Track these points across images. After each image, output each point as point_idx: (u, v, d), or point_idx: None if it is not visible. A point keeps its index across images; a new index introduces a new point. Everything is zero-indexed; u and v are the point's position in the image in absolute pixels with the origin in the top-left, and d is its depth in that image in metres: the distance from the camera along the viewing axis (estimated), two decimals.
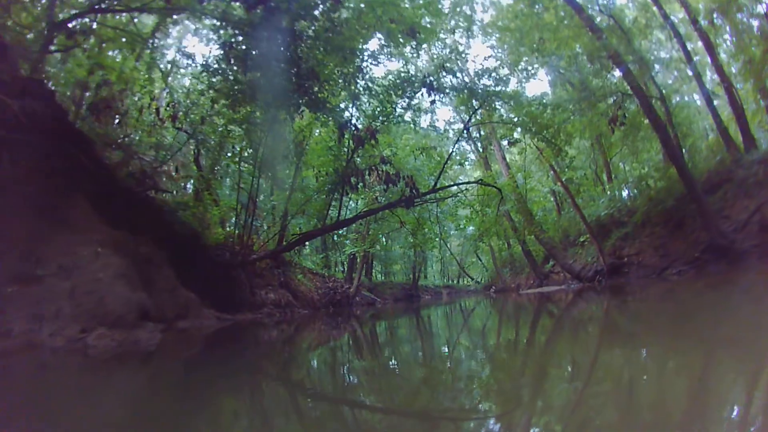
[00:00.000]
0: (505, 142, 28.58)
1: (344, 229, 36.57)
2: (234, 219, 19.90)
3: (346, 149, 18.69)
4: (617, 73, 23.18)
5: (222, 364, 7.09)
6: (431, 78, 18.30)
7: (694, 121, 27.46)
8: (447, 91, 19.45)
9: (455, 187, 24.12)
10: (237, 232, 19.71)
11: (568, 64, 24.01)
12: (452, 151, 21.93)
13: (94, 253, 10.48)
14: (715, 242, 17.92)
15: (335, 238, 38.18)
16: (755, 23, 21.41)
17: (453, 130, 25.57)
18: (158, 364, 7.65)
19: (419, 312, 20.41)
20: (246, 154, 19.76)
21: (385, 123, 19.10)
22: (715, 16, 22.13)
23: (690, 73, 24.31)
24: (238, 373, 6.41)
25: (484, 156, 33.88)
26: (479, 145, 33.94)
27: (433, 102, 19.24)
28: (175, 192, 19.21)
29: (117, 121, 16.53)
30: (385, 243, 42.95)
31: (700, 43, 22.81)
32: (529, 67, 24.88)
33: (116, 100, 16.67)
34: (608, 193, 31.54)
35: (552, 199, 37.46)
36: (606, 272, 24.79)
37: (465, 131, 21.14)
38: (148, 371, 6.97)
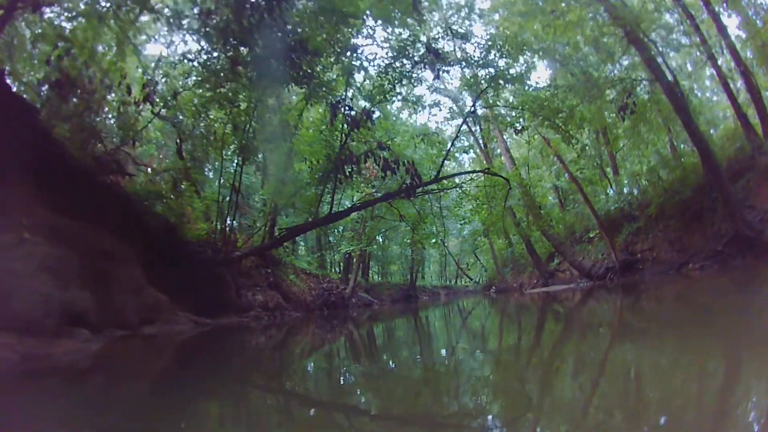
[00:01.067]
0: (507, 136, 26.62)
1: (340, 227, 34.64)
2: (218, 213, 17.45)
3: (339, 134, 16.42)
4: (625, 62, 21.80)
5: (174, 387, 5.35)
6: (436, 42, 15.95)
7: (705, 110, 25.53)
8: (452, 62, 17.02)
9: (459, 178, 22.02)
10: (220, 227, 17.39)
11: (573, 51, 21.72)
12: (457, 134, 19.55)
13: (16, 239, 8.17)
14: (740, 234, 16.08)
15: (330, 238, 36.09)
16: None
17: (455, 113, 23.30)
18: (58, 388, 5.31)
19: (419, 314, 18.99)
20: (230, 139, 17.40)
21: (384, 101, 16.85)
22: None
23: (703, 57, 22.20)
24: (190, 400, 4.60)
25: (485, 151, 31.61)
26: (480, 140, 31.65)
27: (437, 76, 17.00)
28: (149, 181, 16.82)
29: (81, 98, 14.18)
30: (382, 242, 41.53)
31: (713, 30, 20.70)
32: (530, 59, 22.51)
33: (82, 77, 14.41)
34: (613, 187, 29.77)
35: (554, 195, 35.32)
36: (618, 269, 22.91)
37: (471, 114, 18.89)
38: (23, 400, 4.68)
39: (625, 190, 27.99)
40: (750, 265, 15.05)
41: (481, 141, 31.52)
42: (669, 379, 3.87)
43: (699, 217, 19.67)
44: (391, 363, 6.89)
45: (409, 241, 40.38)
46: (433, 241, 28.05)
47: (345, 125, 15.75)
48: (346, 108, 15.48)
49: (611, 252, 23.67)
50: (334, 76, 16.20)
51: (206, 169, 20.15)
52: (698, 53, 22.82)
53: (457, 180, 21.84)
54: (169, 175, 16.74)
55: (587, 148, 25.70)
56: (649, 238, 22.89)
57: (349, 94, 16.34)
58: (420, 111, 28.35)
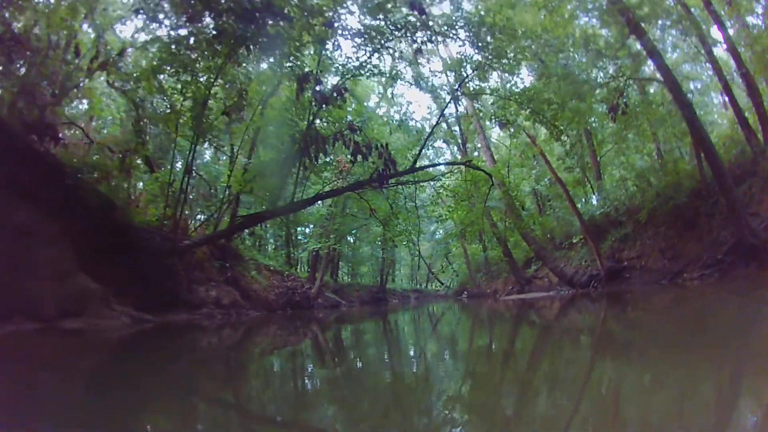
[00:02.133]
0: (489, 133, 24.82)
1: (310, 226, 32.69)
2: (170, 196, 15.26)
3: (306, 113, 14.47)
4: (611, 67, 20.10)
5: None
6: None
7: (701, 114, 23.79)
8: (437, 32, 15.01)
9: (437, 171, 20.12)
10: (171, 212, 15.27)
11: (562, 46, 20.03)
12: (438, 121, 17.47)
13: None
14: (743, 241, 14.83)
15: (300, 237, 34.11)
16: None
17: (433, 112, 21.38)
18: None
19: (389, 318, 17.63)
20: (186, 114, 15.14)
21: (358, 75, 14.85)
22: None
23: (701, 57, 20.93)
24: None
25: (464, 150, 29.65)
26: (460, 136, 29.78)
27: (419, 50, 15.13)
28: (92, 155, 14.62)
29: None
30: (353, 242, 40.19)
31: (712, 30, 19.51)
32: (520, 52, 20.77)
33: (27, 34, 12.43)
34: (596, 192, 28.10)
35: (533, 199, 33.78)
36: (603, 277, 21.46)
37: (454, 98, 16.97)
38: None
39: (613, 194, 26.12)
40: (753, 274, 13.98)
41: (460, 138, 29.63)
42: (649, 403, 3.30)
43: (693, 224, 18.61)
44: (357, 373, 5.84)
45: (380, 241, 39.03)
46: (405, 240, 25.76)
47: (313, 103, 13.83)
48: (315, 82, 13.56)
49: (596, 259, 22.21)
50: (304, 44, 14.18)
51: (161, 151, 17.93)
52: (694, 52, 21.45)
53: (434, 173, 19.90)
54: (117, 149, 14.62)
55: (571, 149, 23.94)
56: (637, 245, 21.61)
57: (320, 68, 14.30)
58: (396, 92, 26.07)
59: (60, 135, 12.95)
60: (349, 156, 15.21)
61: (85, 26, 15.78)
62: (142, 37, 15.61)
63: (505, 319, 13.36)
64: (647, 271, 19.87)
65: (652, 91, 23.10)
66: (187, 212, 16.95)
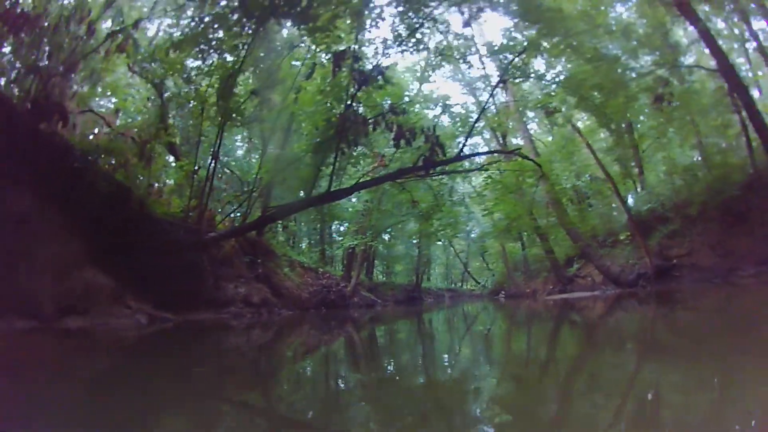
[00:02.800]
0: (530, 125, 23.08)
1: (345, 224, 31.25)
2: (194, 186, 13.81)
3: (343, 94, 12.90)
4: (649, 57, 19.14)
5: None
6: None
7: None
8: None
9: (483, 160, 18.36)
10: (195, 203, 13.86)
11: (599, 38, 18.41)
12: (485, 105, 15.68)
13: None
14: None
15: (334, 235, 32.71)
16: None
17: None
18: None
19: (424, 317, 16.56)
20: (212, 99, 13.58)
21: (401, 50, 13.25)
22: None
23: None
24: None
25: (503, 144, 27.62)
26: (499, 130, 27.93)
27: (467, 23, 13.59)
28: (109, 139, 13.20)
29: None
30: (388, 240, 38.39)
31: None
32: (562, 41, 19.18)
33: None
34: (637, 187, 26.70)
35: (573, 196, 31.81)
36: (652, 276, 19.60)
37: (502, 81, 15.29)
38: None
39: (660, 188, 24.54)
40: None
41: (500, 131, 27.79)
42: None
43: (744, 219, 17.14)
44: (395, 380, 5.05)
45: (416, 240, 37.52)
46: (448, 235, 23.74)
47: (351, 83, 12.33)
48: (353, 59, 12.04)
49: (644, 256, 20.45)
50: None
51: (188, 143, 16.46)
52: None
53: (478, 163, 18.12)
54: (137, 135, 13.26)
55: (618, 139, 22.06)
56: (686, 241, 19.94)
57: (357, 44, 12.74)
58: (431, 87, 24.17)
59: (69, 115, 11.55)
60: (386, 147, 13.70)
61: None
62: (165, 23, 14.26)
63: (546, 320, 12.34)
64: (697, 268, 18.34)
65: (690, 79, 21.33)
66: (214, 206, 15.52)
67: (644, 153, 25.99)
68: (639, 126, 24.61)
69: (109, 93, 15.78)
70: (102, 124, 14.08)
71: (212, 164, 13.08)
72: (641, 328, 8.37)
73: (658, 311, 11.47)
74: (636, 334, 7.60)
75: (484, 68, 20.11)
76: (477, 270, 53.74)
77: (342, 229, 32.76)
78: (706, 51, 20.42)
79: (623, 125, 23.69)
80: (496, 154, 18.44)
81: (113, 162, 12.23)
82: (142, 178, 12.83)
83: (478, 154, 16.83)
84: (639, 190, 26.62)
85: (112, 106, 16.17)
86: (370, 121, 12.45)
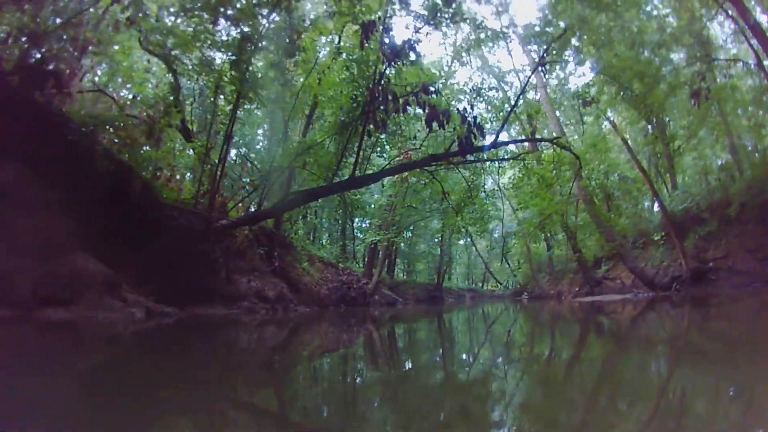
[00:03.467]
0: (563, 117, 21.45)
1: (367, 220, 29.88)
2: (206, 168, 12.33)
3: (371, 71, 11.42)
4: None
5: None
6: None
7: None
8: None
9: (518, 149, 16.77)
10: (206, 188, 12.46)
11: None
12: (523, 88, 13.94)
13: None
14: None
15: (356, 232, 31.36)
16: None
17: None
18: None
19: (447, 317, 14.97)
20: (227, 71, 11.95)
21: (438, 22, 11.63)
22: None
23: None
24: None
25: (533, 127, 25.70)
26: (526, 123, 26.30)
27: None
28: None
29: None
30: (409, 238, 37.62)
31: None
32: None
33: None
34: (668, 187, 25.16)
35: (602, 196, 30.24)
36: (688, 279, 18.49)
37: (542, 62, 13.74)
38: None
39: (691, 190, 23.11)
40: None
41: (530, 125, 26.14)
42: None
43: None
44: (428, 395, 3.85)
45: (438, 239, 36.24)
46: (476, 230, 21.98)
47: (380, 60, 10.89)
48: (383, 31, 10.61)
49: (679, 258, 19.20)
50: None
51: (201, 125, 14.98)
52: None
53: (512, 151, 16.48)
54: (146, 113, 11.95)
55: (658, 131, 20.42)
56: (723, 244, 18.62)
57: (388, 14, 11.23)
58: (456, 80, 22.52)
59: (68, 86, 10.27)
60: (415, 135, 12.25)
61: None
62: None
63: (576, 323, 10.93)
64: (735, 272, 17.24)
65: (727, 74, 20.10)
66: (227, 193, 14.07)
67: (675, 153, 24.48)
68: (671, 124, 23.45)
69: (122, 78, 14.59)
70: (112, 106, 12.90)
71: (225, 146, 11.61)
72: (693, 336, 7.12)
73: (697, 317, 10.10)
74: (691, 344, 6.35)
75: (511, 58, 18.57)
76: (498, 271, 52.44)
77: (364, 225, 31.72)
78: (743, 47, 19.17)
79: (655, 122, 22.25)
80: (529, 145, 16.84)
81: (117, 141, 10.93)
82: (149, 159, 11.51)
83: (516, 141, 15.26)
84: (669, 190, 25.18)
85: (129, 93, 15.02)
86: (400, 98, 10.96)
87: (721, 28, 21.37)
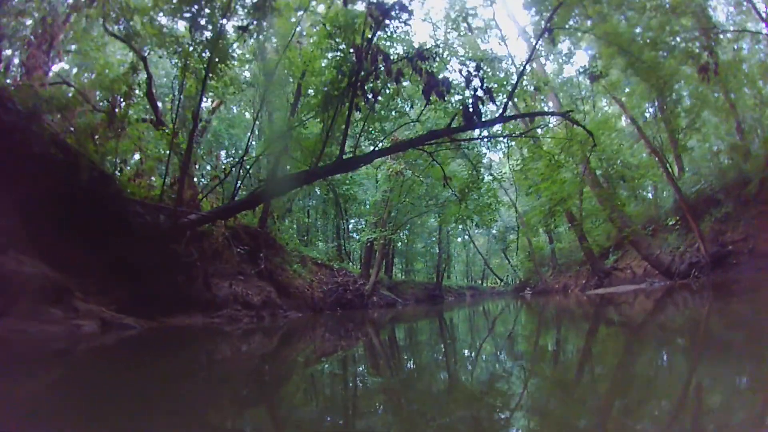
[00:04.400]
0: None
1: (362, 220, 28.39)
2: (182, 158, 10.48)
3: (358, 37, 9.78)
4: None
5: None
6: None
7: None
8: None
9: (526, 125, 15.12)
10: (170, 180, 10.77)
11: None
12: (530, 56, 12.12)
13: None
14: None
15: (352, 234, 29.84)
16: None
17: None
18: None
19: (448, 316, 14.22)
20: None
21: None
22: None
23: None
24: None
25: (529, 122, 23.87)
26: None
27: None
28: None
29: None
30: (406, 237, 35.48)
31: None
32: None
33: None
34: (674, 171, 23.26)
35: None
36: (708, 265, 17.10)
37: (548, 29, 12.04)
38: None
39: (702, 171, 21.75)
40: None
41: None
42: None
43: None
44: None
45: (436, 236, 35.31)
46: (484, 219, 20.03)
47: (366, 24, 9.29)
48: None
49: (697, 243, 17.81)
50: None
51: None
52: None
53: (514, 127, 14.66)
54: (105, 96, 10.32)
55: (672, 107, 18.83)
56: (741, 225, 17.42)
57: None
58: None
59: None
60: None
61: None
62: None
63: (591, 320, 9.49)
64: (757, 255, 16.03)
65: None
66: (199, 185, 12.28)
67: (681, 134, 23.13)
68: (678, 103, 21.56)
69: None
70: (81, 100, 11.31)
71: (192, 128, 9.82)
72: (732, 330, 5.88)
73: (723, 306, 8.98)
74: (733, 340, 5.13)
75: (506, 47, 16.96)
76: (497, 267, 51.98)
77: (360, 226, 30.47)
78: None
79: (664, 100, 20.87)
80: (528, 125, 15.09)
81: (73, 130, 9.31)
82: (112, 150, 9.87)
83: (525, 115, 13.55)
84: (676, 173, 23.27)
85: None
86: (394, 64, 9.26)
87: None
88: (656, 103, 19.92)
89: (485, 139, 12.88)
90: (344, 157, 9.92)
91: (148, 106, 12.28)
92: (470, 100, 8.87)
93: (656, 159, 20.32)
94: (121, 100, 10.46)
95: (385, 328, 10.22)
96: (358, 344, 7.41)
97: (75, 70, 15.69)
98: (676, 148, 22.27)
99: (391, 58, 9.19)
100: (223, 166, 13.27)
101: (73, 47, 13.78)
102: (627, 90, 18.94)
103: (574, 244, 29.97)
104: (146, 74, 11.27)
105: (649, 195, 27.08)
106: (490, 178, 15.88)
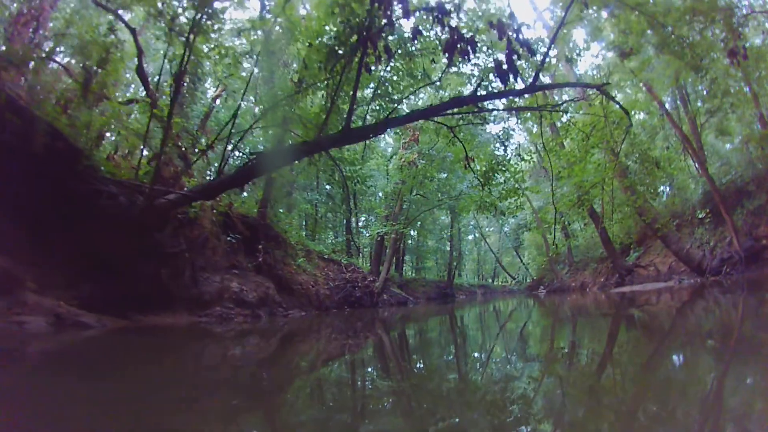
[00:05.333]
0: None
1: (371, 216, 26.94)
2: (164, 129, 8.73)
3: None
4: None
5: None
6: None
7: None
8: None
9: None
10: (152, 154, 9.16)
11: None
12: (563, 19, 10.37)
13: None
14: None
15: (361, 229, 28.36)
16: None
17: None
18: None
19: (455, 314, 13.37)
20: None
21: None
22: None
23: None
24: None
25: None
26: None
27: None
28: None
29: None
30: (417, 235, 34.51)
31: None
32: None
33: None
34: (695, 162, 21.65)
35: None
36: (742, 260, 15.75)
37: None
38: None
39: (732, 161, 20.64)
40: None
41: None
42: None
43: None
44: None
45: (447, 234, 35.12)
46: (509, 207, 17.84)
47: None
48: None
49: (729, 237, 16.75)
50: None
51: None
52: None
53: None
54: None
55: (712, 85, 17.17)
56: None
57: None
58: None
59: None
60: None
61: None
62: None
63: (625, 325, 7.97)
64: None
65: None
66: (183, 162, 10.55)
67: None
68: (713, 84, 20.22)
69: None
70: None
71: (173, 92, 8.17)
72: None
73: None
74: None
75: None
76: (509, 265, 51.14)
77: (371, 222, 29.06)
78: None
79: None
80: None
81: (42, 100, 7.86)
82: (87, 122, 8.39)
83: (557, 85, 11.94)
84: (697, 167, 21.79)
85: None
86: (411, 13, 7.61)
87: None
88: (677, 94, 18.45)
89: (514, 111, 11.22)
90: (351, 126, 8.30)
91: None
92: (505, 54, 7.32)
93: (685, 147, 18.83)
94: (96, 68, 8.98)
95: (406, 332, 8.75)
96: (367, 350, 5.97)
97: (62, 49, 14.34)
98: (699, 139, 20.71)
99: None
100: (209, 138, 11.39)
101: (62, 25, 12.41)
102: (654, 71, 17.35)
103: (592, 241, 28.63)
104: (136, 49, 9.78)
105: (667, 188, 25.60)
106: (517, 159, 14.05)
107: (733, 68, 14.95)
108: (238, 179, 8.38)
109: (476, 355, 5.44)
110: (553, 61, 13.84)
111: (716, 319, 6.84)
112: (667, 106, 20.31)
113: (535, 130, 13.26)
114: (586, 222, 25.82)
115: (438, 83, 10.41)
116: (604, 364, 4.29)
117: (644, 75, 15.98)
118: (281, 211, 14.93)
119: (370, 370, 4.65)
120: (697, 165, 20.96)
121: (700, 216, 19.08)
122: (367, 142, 18.88)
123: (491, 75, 9.41)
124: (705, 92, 18.81)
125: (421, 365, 4.91)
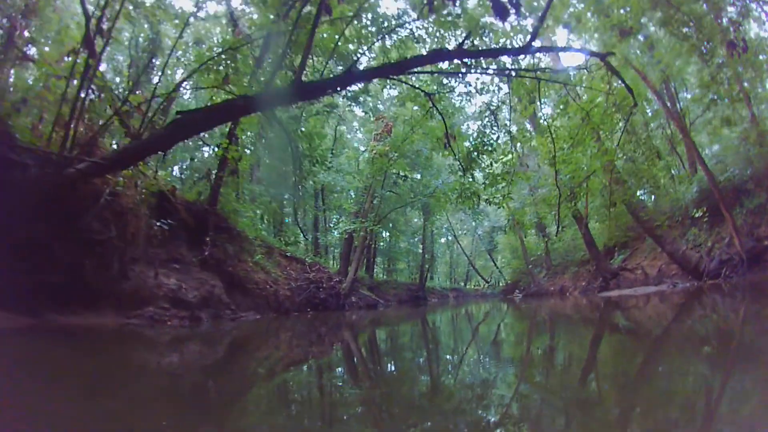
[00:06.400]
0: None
1: (338, 215, 25.77)
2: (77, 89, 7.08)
3: None
4: None
5: None
6: None
7: None
8: None
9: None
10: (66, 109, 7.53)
11: None
12: None
13: None
14: None
15: (334, 229, 26.98)
16: None
17: None
18: None
19: (426, 318, 13.19)
20: None
21: None
22: None
23: None
24: None
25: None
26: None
27: None
28: None
29: None
30: (388, 236, 34.31)
31: None
32: None
33: None
34: (684, 162, 21.78)
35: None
36: (744, 262, 14.74)
37: None
38: None
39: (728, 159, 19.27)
40: None
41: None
42: None
43: None
44: None
45: (420, 236, 34.15)
46: (502, 193, 15.60)
47: None
48: None
49: (728, 238, 15.70)
50: None
51: None
52: None
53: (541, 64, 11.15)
54: None
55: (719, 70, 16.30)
56: None
57: None
58: None
59: None
60: None
61: None
62: None
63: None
64: None
65: None
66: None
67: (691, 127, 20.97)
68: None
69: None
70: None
71: (85, 35, 6.48)
72: None
73: None
74: None
75: None
76: (482, 268, 50.28)
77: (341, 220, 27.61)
78: None
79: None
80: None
81: None
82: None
83: (557, 49, 10.63)
84: (687, 166, 21.86)
85: None
86: None
87: None
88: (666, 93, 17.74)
89: (507, 78, 9.72)
90: (303, 79, 6.71)
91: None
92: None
93: (676, 143, 18.00)
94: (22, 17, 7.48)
95: (363, 333, 7.43)
96: (332, 358, 4.74)
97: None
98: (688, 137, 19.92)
99: None
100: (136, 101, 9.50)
101: None
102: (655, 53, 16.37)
103: (571, 244, 27.73)
104: (83, 12, 8.13)
105: (660, 186, 25.08)
106: (508, 137, 12.25)
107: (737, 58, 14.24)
108: (158, 142, 6.75)
109: (449, 364, 4.97)
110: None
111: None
112: (654, 105, 19.63)
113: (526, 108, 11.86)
114: (565, 225, 24.83)
115: (413, 25, 8.90)
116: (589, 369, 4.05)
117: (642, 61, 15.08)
118: (237, 196, 13.29)
119: (333, 380, 4.17)
120: (688, 163, 20.29)
121: (696, 215, 18.08)
122: (337, 135, 17.52)
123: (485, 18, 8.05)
124: (697, 89, 18.14)
125: (391, 375, 4.43)
